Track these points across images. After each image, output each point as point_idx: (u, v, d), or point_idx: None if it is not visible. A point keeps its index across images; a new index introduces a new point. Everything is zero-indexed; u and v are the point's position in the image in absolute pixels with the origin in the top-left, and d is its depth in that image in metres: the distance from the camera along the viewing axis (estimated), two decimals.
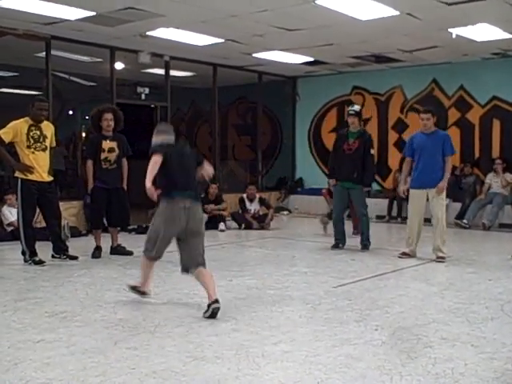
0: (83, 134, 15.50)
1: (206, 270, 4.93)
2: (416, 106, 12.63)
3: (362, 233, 8.33)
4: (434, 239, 7.49)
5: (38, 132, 7.03)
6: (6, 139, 6.90)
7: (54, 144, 7.33)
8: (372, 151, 8.28)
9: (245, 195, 11.17)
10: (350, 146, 8.19)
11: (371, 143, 8.33)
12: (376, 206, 12.51)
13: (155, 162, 4.85)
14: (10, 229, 8.99)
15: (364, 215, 8.28)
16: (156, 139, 5.10)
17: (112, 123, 7.61)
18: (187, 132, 16.77)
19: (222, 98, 13.53)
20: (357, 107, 8.50)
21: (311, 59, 12.03)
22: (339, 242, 8.39)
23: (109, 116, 7.57)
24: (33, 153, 6.97)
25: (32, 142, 6.97)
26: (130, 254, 7.77)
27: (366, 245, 8.25)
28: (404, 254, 7.62)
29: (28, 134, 6.95)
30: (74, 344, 3.99)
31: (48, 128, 7.21)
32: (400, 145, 12.91)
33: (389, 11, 8.27)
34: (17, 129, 6.94)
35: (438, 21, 8.78)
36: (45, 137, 7.08)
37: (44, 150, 7.07)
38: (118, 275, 6.48)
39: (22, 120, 7.02)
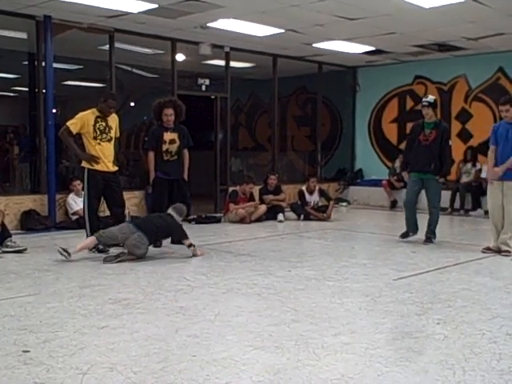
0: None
1: None
2: (481, 95, 12.33)
3: (428, 225, 8.16)
4: (502, 232, 7.27)
5: (104, 123, 7.20)
6: (74, 130, 7.09)
7: (118, 134, 7.49)
8: (450, 142, 8.06)
9: (304, 188, 11.11)
10: (426, 136, 7.98)
11: (448, 133, 8.10)
12: None
13: None
14: (74, 218, 9.26)
15: (435, 207, 8.09)
16: None
17: (172, 118, 7.69)
18: (246, 123, 16.85)
19: (281, 88, 13.51)
20: (431, 98, 8.21)
21: (372, 48, 11.86)
22: (409, 231, 8.22)
23: (169, 112, 7.65)
24: (99, 143, 7.15)
25: (98, 133, 7.15)
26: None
27: (429, 238, 8.07)
28: (488, 249, 7.34)
29: (94, 126, 7.13)
30: (136, 330, 4.07)
31: (113, 119, 7.37)
32: (463, 135, 12.63)
33: None
34: (84, 120, 7.13)
35: (505, 7, 8.50)
36: (110, 128, 7.25)
37: (109, 140, 7.24)
38: (179, 264, 6.57)
39: (89, 111, 7.20)
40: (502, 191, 7.20)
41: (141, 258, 6.72)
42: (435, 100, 8.22)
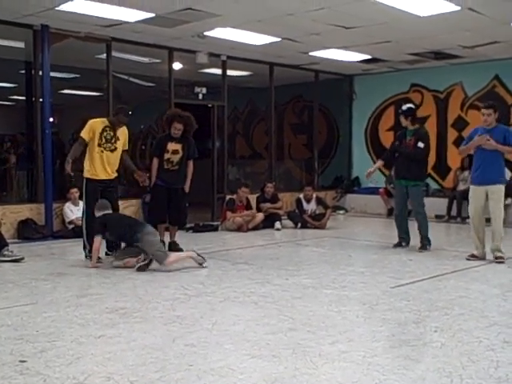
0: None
1: None
2: (477, 103, 12.36)
3: (419, 232, 8.18)
4: (492, 239, 7.29)
5: (112, 133, 7.34)
6: (87, 137, 7.26)
7: (126, 147, 7.57)
8: (421, 144, 8.03)
9: (301, 195, 11.12)
10: (406, 144, 8.15)
11: (423, 138, 8.12)
12: (435, 205, 12.29)
13: None
14: (70, 226, 9.25)
15: (419, 213, 8.13)
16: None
17: (179, 132, 7.79)
18: (243, 131, 16.87)
19: (278, 96, 13.53)
20: (405, 106, 8.41)
21: (368, 57, 11.90)
22: (402, 241, 8.30)
23: (178, 126, 7.74)
24: (102, 151, 7.26)
25: (104, 141, 7.27)
26: (179, 251, 7.85)
27: (424, 245, 8.10)
28: (472, 256, 7.37)
29: (102, 134, 7.27)
30: (133, 340, 4.06)
31: (123, 132, 7.49)
32: (460, 143, 12.63)
33: (449, 6, 8.11)
34: (92, 126, 7.28)
35: (501, 15, 8.55)
36: (117, 139, 7.38)
37: (113, 150, 7.35)
38: (176, 273, 6.56)
39: (99, 119, 7.38)
40: (485, 197, 7.23)
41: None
42: (409, 108, 8.37)
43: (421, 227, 8.15)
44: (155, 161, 7.86)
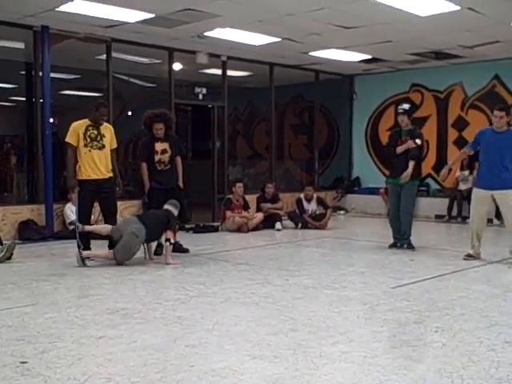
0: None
1: None
2: (477, 102, 12.38)
3: (403, 233, 8.21)
4: (509, 241, 7.29)
5: (96, 131, 7.33)
6: (74, 142, 7.28)
7: (115, 145, 7.53)
8: (418, 141, 8.01)
9: (302, 195, 11.12)
10: (402, 143, 8.13)
11: (419, 136, 8.12)
12: (435, 205, 12.32)
13: None
14: (71, 227, 9.23)
15: (407, 214, 8.13)
16: None
17: (162, 131, 7.82)
18: (244, 131, 16.87)
19: (278, 97, 13.54)
20: (406, 105, 8.41)
21: (369, 57, 11.91)
22: (397, 242, 8.29)
23: (158, 126, 7.77)
24: (89, 151, 7.27)
25: (89, 140, 7.28)
26: (186, 251, 7.87)
27: (409, 243, 8.15)
28: (469, 256, 7.40)
29: (85, 134, 7.28)
30: (134, 340, 4.06)
31: (107, 129, 7.48)
32: (460, 143, 12.65)
33: (449, 6, 8.11)
34: (75, 129, 7.30)
35: (500, 15, 8.55)
36: (102, 136, 7.35)
37: (101, 148, 7.33)
38: (177, 273, 6.57)
39: (80, 121, 7.36)
40: (491, 201, 7.23)
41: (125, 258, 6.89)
42: (410, 107, 8.42)
43: (404, 225, 8.16)
44: (144, 165, 7.84)
